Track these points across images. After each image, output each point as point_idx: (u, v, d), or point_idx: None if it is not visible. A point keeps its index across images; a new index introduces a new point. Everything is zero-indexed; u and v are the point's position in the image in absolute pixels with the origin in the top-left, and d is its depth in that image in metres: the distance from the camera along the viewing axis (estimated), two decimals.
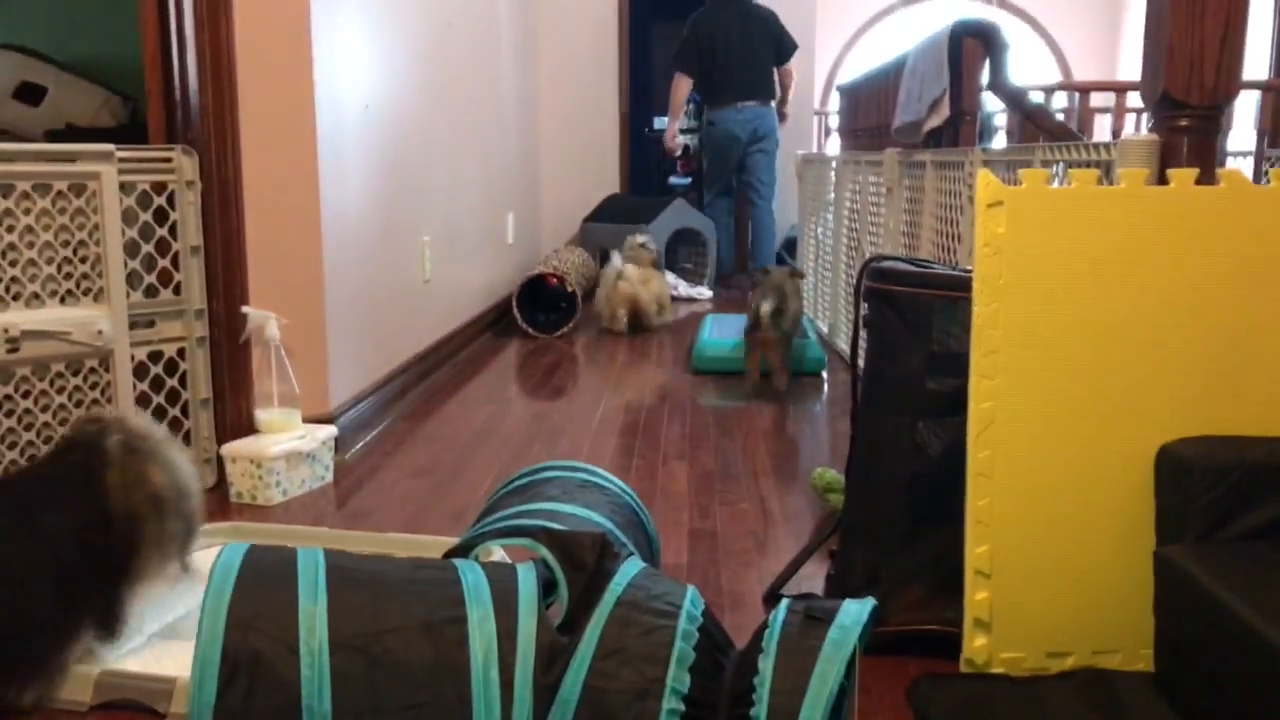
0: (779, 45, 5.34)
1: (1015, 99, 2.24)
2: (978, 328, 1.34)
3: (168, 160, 2.11)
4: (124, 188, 2.04)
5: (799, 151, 4.88)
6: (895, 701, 1.34)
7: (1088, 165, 1.62)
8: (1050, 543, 1.37)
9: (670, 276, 5.30)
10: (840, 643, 0.96)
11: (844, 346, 3.68)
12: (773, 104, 5.39)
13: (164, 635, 1.49)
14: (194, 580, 1.67)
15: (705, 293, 5.30)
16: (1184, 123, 1.39)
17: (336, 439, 2.31)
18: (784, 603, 1.06)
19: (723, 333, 3.63)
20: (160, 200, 2.10)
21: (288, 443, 2.13)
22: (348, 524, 2.00)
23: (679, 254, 5.66)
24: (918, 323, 1.41)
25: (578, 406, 2.97)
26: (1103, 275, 1.33)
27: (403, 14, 3.00)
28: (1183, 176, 1.33)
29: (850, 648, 0.96)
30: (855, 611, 1.01)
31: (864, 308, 1.53)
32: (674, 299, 5.19)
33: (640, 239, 4.44)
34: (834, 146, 7.59)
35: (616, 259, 4.31)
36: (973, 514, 1.37)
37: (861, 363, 1.56)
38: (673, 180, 8.54)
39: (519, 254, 5.07)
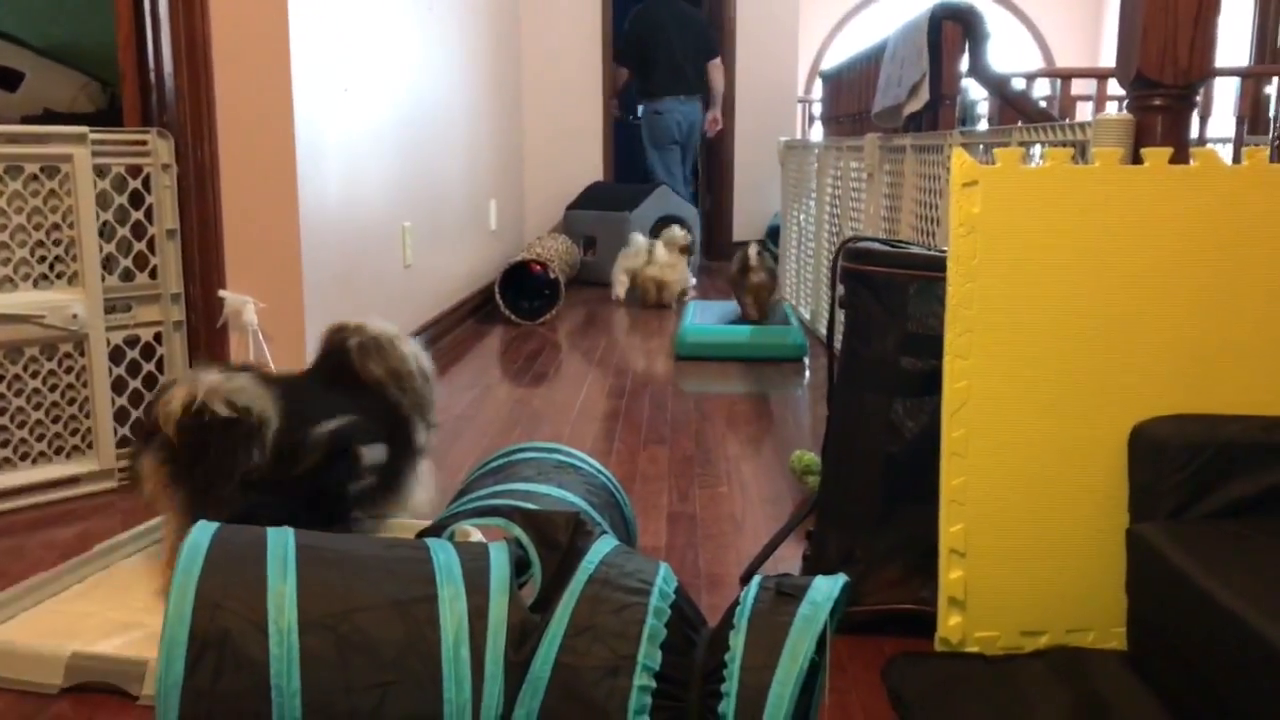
0: (707, 43, 5.61)
1: (994, 83, 2.24)
2: (952, 307, 1.35)
3: (143, 143, 2.09)
4: (98, 171, 2.02)
5: (781, 139, 4.87)
6: (870, 680, 1.35)
7: (1064, 146, 1.62)
8: (1024, 522, 1.38)
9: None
10: (811, 618, 0.96)
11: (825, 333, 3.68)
12: (699, 101, 5.64)
13: (137, 618, 1.48)
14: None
15: (690, 279, 5.28)
16: (1158, 102, 1.39)
17: None
18: (756, 580, 1.05)
19: (705, 319, 3.63)
20: (135, 183, 2.09)
21: None
22: None
23: None
24: (893, 303, 1.41)
25: (560, 392, 2.97)
26: (1077, 254, 1.33)
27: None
28: (1157, 155, 1.33)
29: (821, 623, 0.96)
30: (826, 587, 1.01)
31: (840, 289, 1.53)
32: None
33: (679, 231, 4.71)
34: (818, 134, 7.60)
35: (639, 238, 4.68)
36: (947, 493, 1.37)
37: (838, 344, 1.56)
38: None
39: (502, 241, 5.05)
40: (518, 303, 4.16)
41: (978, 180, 1.32)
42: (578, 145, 5.93)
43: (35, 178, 1.95)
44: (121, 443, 2.10)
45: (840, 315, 1.54)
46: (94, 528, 1.89)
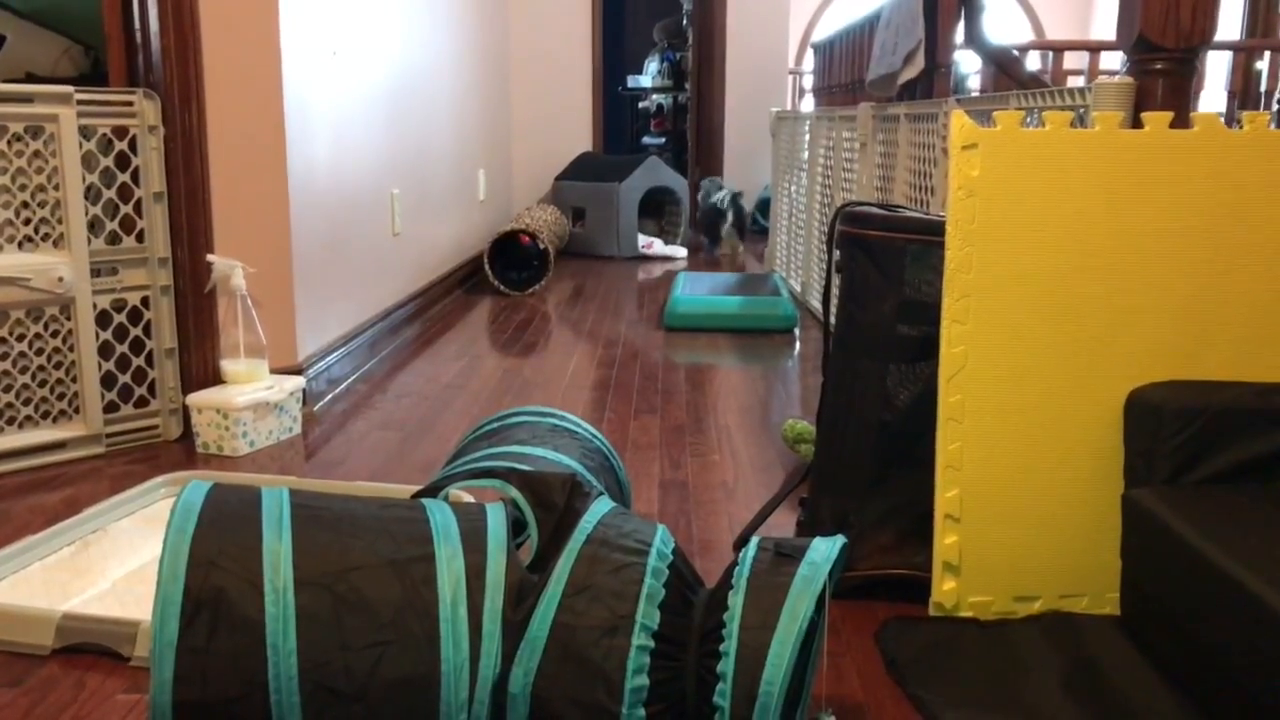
0: None
1: (991, 52, 2.22)
2: (950, 272, 1.34)
3: (129, 104, 2.06)
4: (84, 132, 1.99)
5: (773, 109, 4.85)
6: (863, 644, 1.35)
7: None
8: (1019, 487, 1.38)
9: (644, 237, 5.27)
10: (810, 578, 0.96)
11: (816, 304, 3.68)
12: None
13: (127, 581, 1.47)
14: (156, 528, 1.66)
15: (680, 251, 5.27)
16: (1159, 66, 1.38)
17: (304, 391, 2.29)
18: (754, 541, 1.05)
19: (696, 290, 3.62)
20: (122, 145, 2.06)
21: (255, 393, 2.10)
22: (317, 475, 1.98)
23: (653, 213, 5.63)
24: (890, 267, 1.41)
25: (550, 362, 2.96)
26: (1076, 218, 1.33)
27: None
28: (1157, 120, 1.32)
29: (820, 583, 0.96)
30: (825, 548, 1.00)
31: (836, 255, 1.52)
32: (649, 258, 5.18)
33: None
34: (808, 106, 7.56)
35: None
36: (943, 458, 1.37)
37: (834, 310, 1.55)
38: (646, 139, 8.51)
39: (491, 211, 5.02)
40: (506, 273, 4.14)
41: (977, 143, 1.31)
42: (567, 115, 5.89)
43: (19, 138, 1.92)
44: (108, 408, 2.08)
45: (836, 281, 1.53)
46: (81, 493, 1.88)
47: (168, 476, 1.84)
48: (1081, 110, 1.50)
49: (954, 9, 2.30)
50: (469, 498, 1.56)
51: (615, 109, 7.33)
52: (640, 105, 8.78)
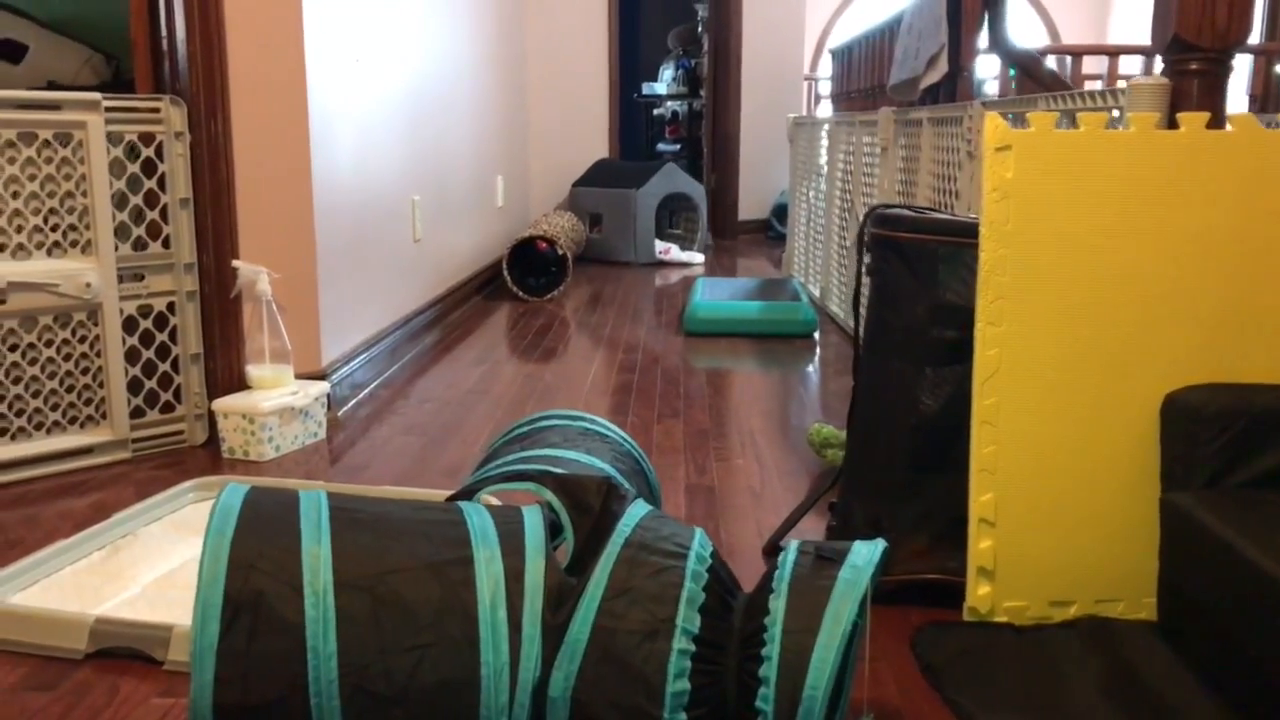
0: None
1: (1015, 56, 2.22)
2: (984, 273, 1.33)
3: (155, 110, 2.06)
4: (111, 138, 2.00)
5: (790, 115, 4.84)
6: (898, 649, 1.34)
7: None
8: (1054, 491, 1.37)
9: (661, 243, 5.28)
10: (853, 582, 0.95)
11: (835, 309, 3.67)
12: None
13: (158, 585, 1.47)
14: (185, 533, 1.66)
15: (697, 257, 5.27)
16: (1194, 66, 1.37)
17: (328, 396, 2.29)
18: (793, 544, 1.04)
19: (715, 295, 3.62)
20: (148, 151, 2.06)
21: (280, 398, 2.11)
22: (342, 479, 1.98)
23: (669, 219, 5.63)
24: (923, 269, 1.40)
25: (570, 367, 2.96)
26: (1110, 220, 1.32)
27: None
28: (1193, 120, 1.31)
29: (863, 587, 0.95)
30: (867, 552, 1.00)
31: (867, 257, 1.51)
32: (665, 264, 5.18)
33: None
34: (823, 112, 7.56)
35: None
36: (977, 462, 1.36)
37: (864, 313, 1.55)
38: (661, 146, 8.51)
39: (509, 217, 5.03)
40: (524, 279, 4.14)
41: (1011, 144, 1.31)
42: (584, 122, 5.90)
43: (48, 144, 1.93)
44: (134, 413, 2.08)
45: (865, 284, 1.53)
46: (108, 498, 1.88)
47: (195, 481, 1.84)
48: (1115, 112, 1.49)
49: (977, 13, 2.30)
50: (496, 502, 1.56)
51: (630, 116, 7.33)
52: (655, 112, 8.78)
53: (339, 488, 1.82)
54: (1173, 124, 1.35)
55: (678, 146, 8.28)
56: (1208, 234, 1.33)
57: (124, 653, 1.29)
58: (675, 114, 8.46)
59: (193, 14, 2.09)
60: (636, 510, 1.07)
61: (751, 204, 6.51)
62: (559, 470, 1.18)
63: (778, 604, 0.97)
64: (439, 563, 0.99)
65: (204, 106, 2.12)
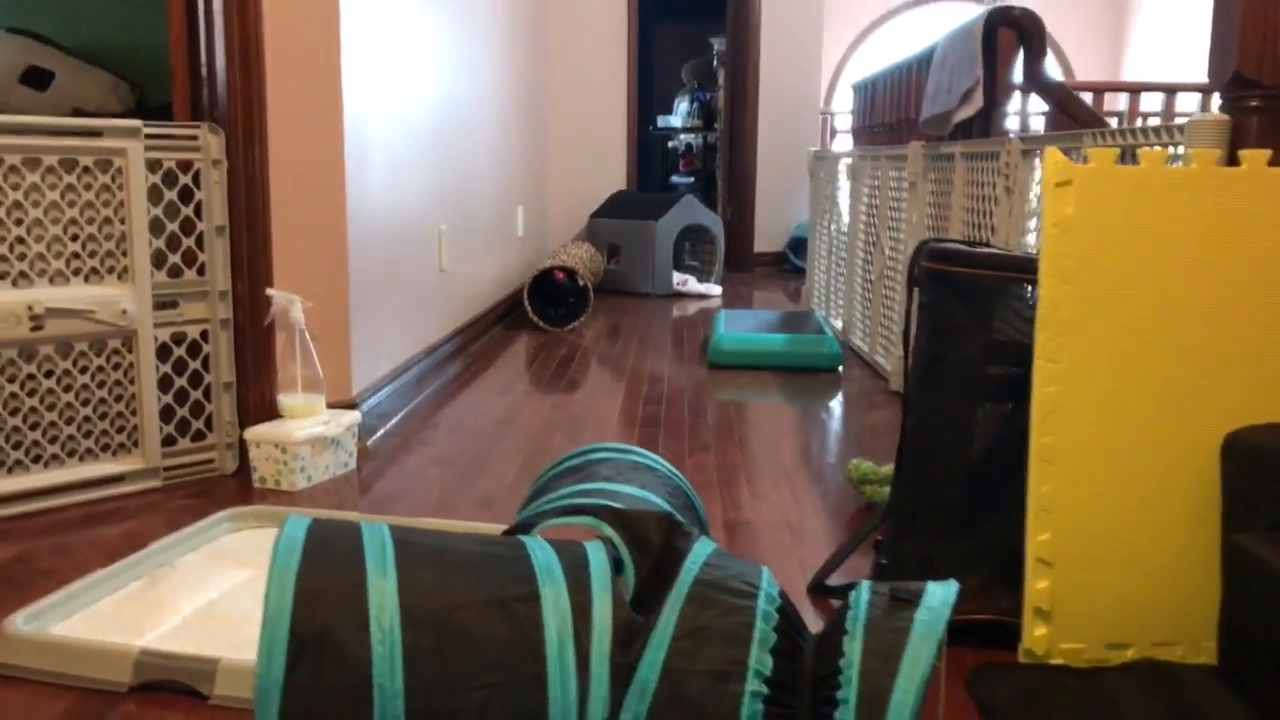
0: None
1: (1052, 91, 2.21)
2: (1043, 310, 1.32)
3: (194, 138, 2.07)
4: (150, 165, 2.00)
5: (810, 149, 4.86)
6: (954, 691, 1.31)
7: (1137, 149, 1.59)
8: (1113, 531, 1.34)
9: (678, 275, 5.28)
10: (931, 624, 0.93)
11: (859, 342, 3.66)
12: None
13: (199, 617, 1.45)
14: (222, 564, 1.65)
15: (715, 289, 5.27)
16: (1255, 103, 1.36)
17: (359, 426, 2.27)
18: (864, 585, 1.02)
19: (738, 327, 3.61)
20: (186, 179, 2.06)
21: (312, 428, 2.09)
22: (373, 510, 1.96)
23: (686, 251, 5.63)
24: (978, 304, 1.39)
25: (596, 399, 2.94)
26: (1172, 257, 1.31)
27: (425, 2, 2.97)
28: (1255, 158, 1.30)
29: (941, 629, 0.93)
30: (941, 593, 0.98)
31: (916, 292, 1.50)
32: (683, 295, 5.18)
33: None
34: (839, 146, 7.58)
35: None
36: (1035, 501, 1.34)
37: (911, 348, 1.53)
38: (675, 179, 8.54)
39: (528, 247, 5.03)
40: (544, 309, 4.14)
41: (1071, 180, 1.30)
42: (601, 154, 5.92)
43: (88, 171, 1.93)
44: (165, 441, 2.07)
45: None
46: (139, 527, 1.86)
47: (230, 511, 1.82)
48: (1173, 149, 1.48)
49: (1013, 47, 2.30)
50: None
51: (645, 149, 7.36)
52: (669, 145, 8.83)
53: (374, 519, 1.80)
54: (1233, 161, 1.35)
55: (692, 179, 8.31)
56: (1270, 271, 1.31)
57: (169, 686, 1.27)
58: (690, 147, 8.50)
59: (232, 43, 2.10)
60: (703, 548, 1.05)
61: (767, 236, 6.52)
62: (617, 505, 1.16)
63: (853, 646, 0.94)
64: (505, 599, 0.97)
65: (242, 134, 2.12)
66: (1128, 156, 1.52)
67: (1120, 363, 1.32)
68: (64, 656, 1.29)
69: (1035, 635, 1.36)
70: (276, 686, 0.90)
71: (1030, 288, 1.35)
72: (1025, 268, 1.35)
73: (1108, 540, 1.35)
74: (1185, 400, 1.33)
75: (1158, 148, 1.35)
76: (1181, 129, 1.42)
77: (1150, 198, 1.30)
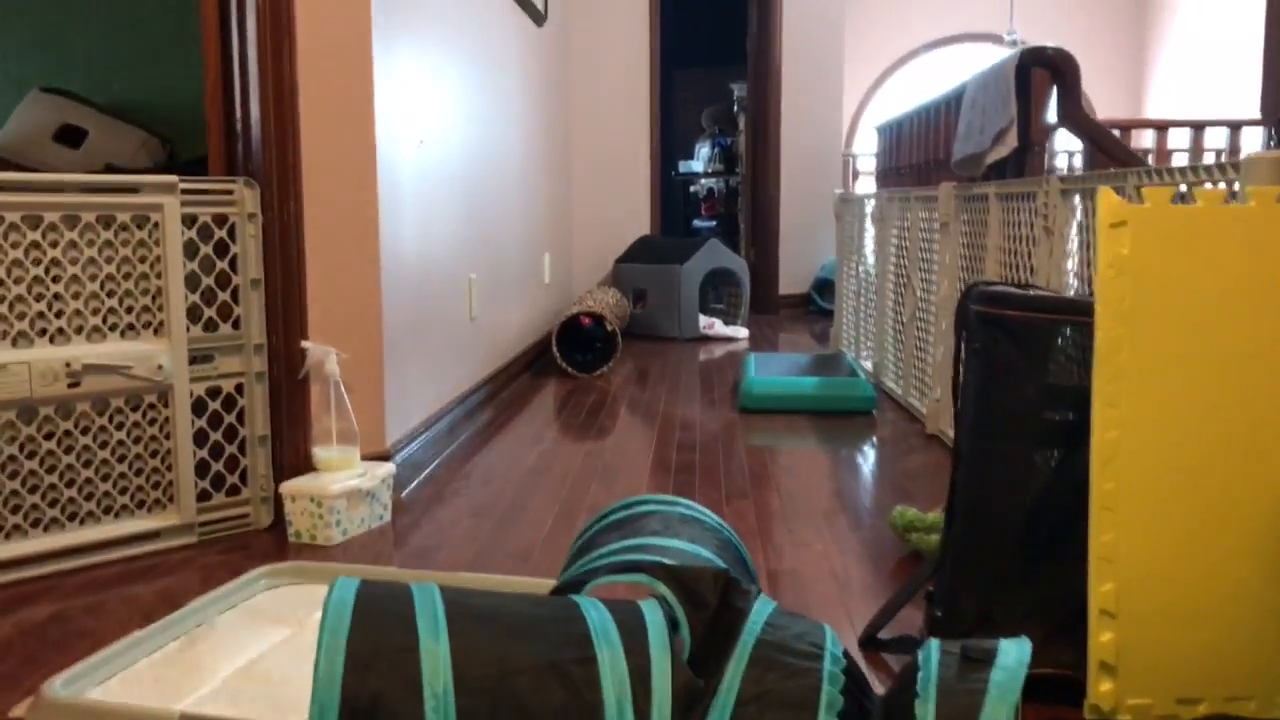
0: None
1: (1089, 130, 2.19)
2: (1101, 354, 1.28)
3: (229, 192, 2.07)
4: (185, 220, 2.00)
5: (836, 190, 4.85)
6: None
7: (1180, 186, 1.57)
8: (1179, 580, 1.30)
9: (705, 318, 5.26)
10: (1007, 685, 0.89)
11: (892, 385, 3.62)
12: None
13: (237, 678, 1.42)
14: (260, 622, 1.62)
15: (742, 332, 5.25)
16: None
17: (393, 478, 2.25)
18: (933, 643, 0.99)
19: (769, 371, 3.58)
20: (221, 233, 2.06)
21: (348, 480, 2.07)
22: (410, 564, 1.93)
23: (712, 294, 5.62)
24: (1033, 348, 1.35)
25: (629, 445, 2.91)
26: (1232, 297, 1.27)
27: (453, 54, 2.99)
28: None
29: (1017, 691, 0.89)
30: (1017, 652, 0.94)
31: (965, 335, 1.47)
32: (709, 339, 5.16)
33: None
34: (861, 188, 7.59)
35: None
36: (1097, 550, 1.30)
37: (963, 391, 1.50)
38: (697, 223, 8.56)
39: (555, 294, 5.03)
40: (571, 355, 4.13)
41: (1126, 220, 1.27)
42: (626, 200, 5.94)
43: (125, 227, 1.94)
44: (200, 496, 2.05)
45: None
46: (174, 584, 1.84)
47: (267, 568, 1.80)
48: (1224, 185, 1.45)
49: (1046, 87, 2.28)
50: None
51: (667, 193, 7.39)
52: (691, 189, 8.86)
53: (417, 574, 1.77)
54: None
55: (714, 223, 8.33)
56: None
57: None
58: (711, 191, 8.53)
59: (267, 96, 2.11)
60: (764, 607, 1.02)
61: (791, 279, 6.50)
62: (669, 561, 1.13)
63: (926, 709, 0.91)
64: (560, 662, 0.94)
65: (277, 188, 2.13)
66: (1180, 195, 1.50)
67: (1182, 406, 1.29)
68: None
69: (1101, 690, 1.31)
70: None
71: (1086, 330, 1.32)
72: (1081, 310, 1.32)
73: (1174, 590, 1.30)
74: (1250, 444, 1.29)
75: (1216, 185, 1.33)
76: (1236, 166, 1.39)
77: (1208, 237, 1.27)
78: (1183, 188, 1.55)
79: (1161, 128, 4.40)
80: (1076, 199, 2.06)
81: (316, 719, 0.88)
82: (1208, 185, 1.52)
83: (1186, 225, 1.27)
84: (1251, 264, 1.27)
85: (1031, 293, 1.39)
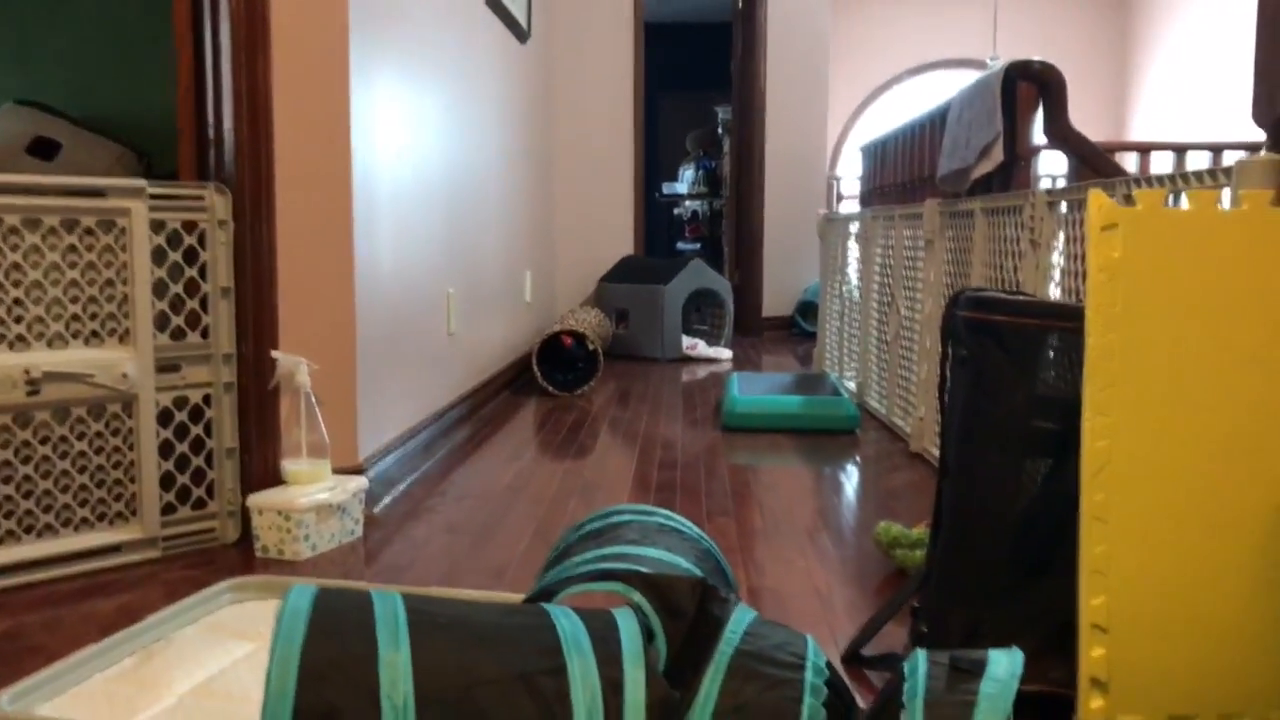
0: None
1: (1075, 144, 2.17)
2: (1092, 360, 1.25)
3: (199, 198, 2.02)
4: (154, 226, 1.95)
5: (820, 210, 4.83)
6: None
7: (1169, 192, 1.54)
8: (1172, 593, 1.26)
9: (688, 339, 5.22)
10: (997, 697, 0.85)
11: (876, 405, 3.58)
12: None
13: (195, 695, 1.36)
14: (222, 637, 1.56)
15: (725, 353, 5.21)
16: None
17: (365, 492, 2.19)
18: (920, 654, 0.94)
19: (752, 390, 3.54)
20: (191, 240, 2.01)
21: (317, 494, 2.01)
22: (380, 580, 1.87)
23: (695, 315, 5.59)
24: (1022, 355, 1.32)
25: (609, 464, 2.86)
26: (1227, 302, 1.24)
27: (433, 66, 2.95)
28: None
29: (1009, 703, 0.85)
30: (1008, 662, 0.89)
31: (951, 343, 1.43)
32: (692, 359, 5.12)
33: None
34: (845, 211, 7.59)
35: None
36: (1088, 563, 1.26)
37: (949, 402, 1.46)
38: (680, 245, 8.55)
39: (536, 313, 4.99)
40: (552, 374, 4.08)
41: (1118, 223, 1.24)
42: (609, 220, 5.91)
43: (90, 232, 1.88)
44: (165, 509, 1.99)
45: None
46: (136, 599, 1.78)
47: (232, 581, 1.74)
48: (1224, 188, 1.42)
49: (1033, 101, 2.26)
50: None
51: (651, 215, 7.37)
52: (675, 212, 8.86)
53: (385, 588, 1.71)
54: None
55: (698, 245, 8.31)
56: None
57: None
58: (695, 214, 8.52)
59: (240, 102, 2.07)
60: (744, 616, 0.97)
61: (775, 301, 6.48)
62: (645, 570, 1.08)
63: None
64: (529, 673, 0.89)
65: (249, 195, 2.08)
66: (1170, 201, 1.47)
67: (1175, 414, 1.25)
68: None
69: (1091, 707, 1.26)
70: None
71: (1077, 336, 1.29)
72: (1071, 315, 1.29)
73: (1167, 604, 1.26)
74: (1246, 453, 1.25)
75: (1206, 189, 1.30)
76: (1227, 172, 1.36)
77: (1201, 240, 1.24)
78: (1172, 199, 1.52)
79: (1145, 150, 4.41)
80: (1063, 208, 2.04)
81: None
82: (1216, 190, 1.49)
83: (1179, 228, 1.24)
84: (1245, 268, 1.24)
85: (1020, 298, 1.35)
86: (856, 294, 3.94)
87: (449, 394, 3.17)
